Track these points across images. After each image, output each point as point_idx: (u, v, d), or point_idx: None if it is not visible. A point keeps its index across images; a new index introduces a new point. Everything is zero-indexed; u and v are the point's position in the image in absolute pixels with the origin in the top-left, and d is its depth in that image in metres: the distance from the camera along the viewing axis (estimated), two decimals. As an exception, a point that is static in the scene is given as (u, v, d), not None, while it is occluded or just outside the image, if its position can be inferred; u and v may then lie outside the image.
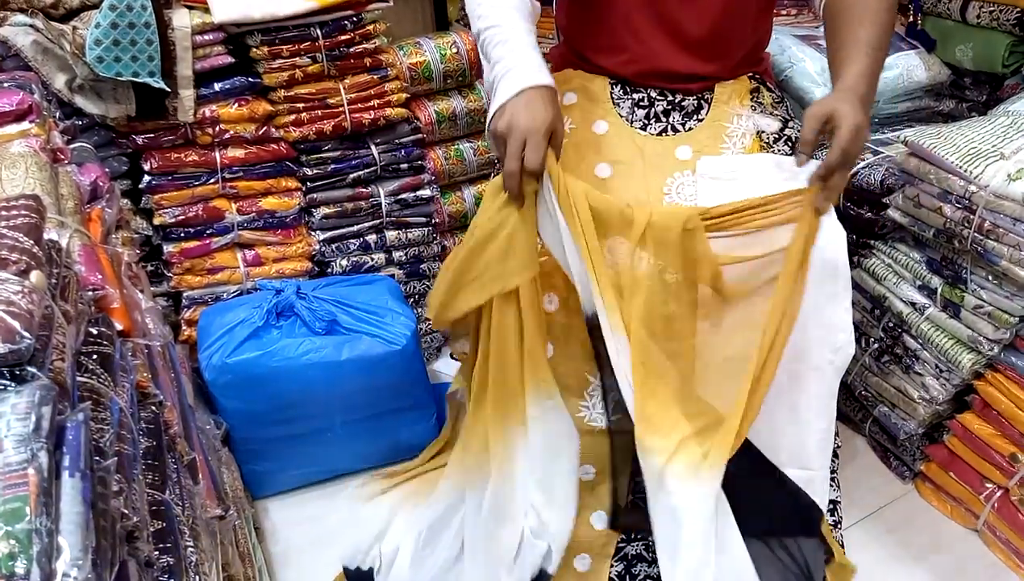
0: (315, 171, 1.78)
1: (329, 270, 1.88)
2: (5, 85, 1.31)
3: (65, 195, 1.09)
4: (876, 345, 1.70)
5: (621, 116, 1.24)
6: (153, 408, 0.99)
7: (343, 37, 1.67)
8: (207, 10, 1.58)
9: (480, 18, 1.11)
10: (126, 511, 0.70)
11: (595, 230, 1.03)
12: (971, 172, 1.39)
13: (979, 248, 1.41)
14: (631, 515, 1.23)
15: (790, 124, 1.29)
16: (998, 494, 1.54)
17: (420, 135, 1.87)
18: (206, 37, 1.58)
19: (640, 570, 1.26)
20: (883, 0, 1.10)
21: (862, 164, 1.71)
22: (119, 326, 0.96)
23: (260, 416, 1.60)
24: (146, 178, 1.66)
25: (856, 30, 1.08)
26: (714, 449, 1.03)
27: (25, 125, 1.16)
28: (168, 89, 1.54)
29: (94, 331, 0.86)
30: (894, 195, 1.59)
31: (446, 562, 1.27)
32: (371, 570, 1.33)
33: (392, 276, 1.89)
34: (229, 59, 1.62)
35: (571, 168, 1.14)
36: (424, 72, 1.87)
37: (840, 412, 1.19)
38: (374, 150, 1.82)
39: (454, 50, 1.89)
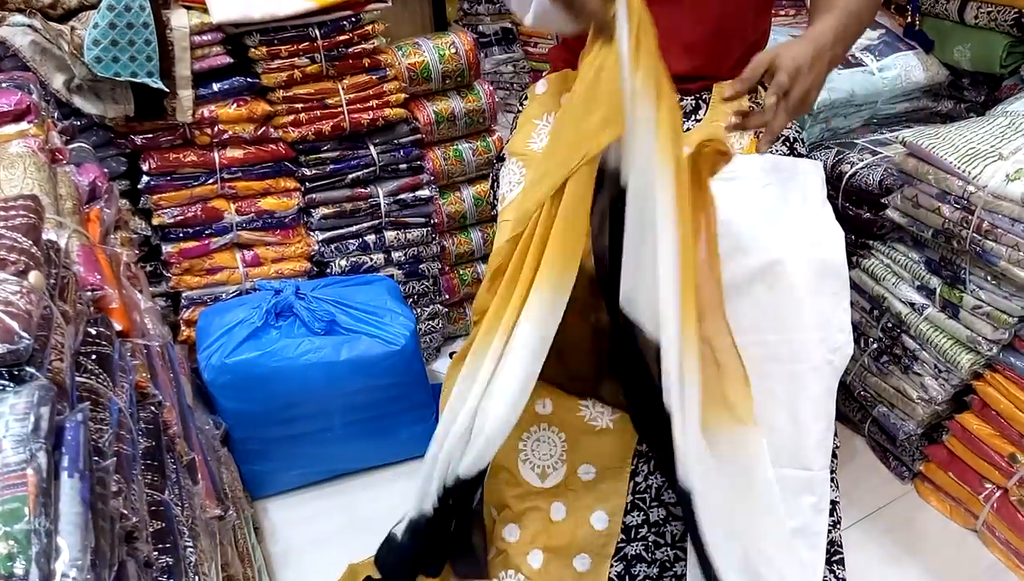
0: (314, 171, 1.78)
1: (328, 270, 1.88)
2: (3, 85, 1.31)
3: (64, 195, 1.09)
4: (875, 345, 1.70)
5: (620, 116, 1.24)
6: (152, 408, 0.98)
7: (342, 37, 1.67)
8: (205, 10, 1.57)
9: None
10: (125, 511, 0.70)
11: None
12: (969, 172, 1.39)
13: (978, 248, 1.41)
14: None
15: (788, 124, 1.29)
16: (997, 494, 1.54)
17: (419, 135, 1.87)
18: (204, 37, 1.58)
19: (639, 570, 1.26)
20: None
21: (861, 164, 1.71)
22: (118, 326, 0.96)
23: (259, 416, 1.60)
24: (145, 178, 1.66)
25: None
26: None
27: (23, 125, 1.16)
28: (167, 89, 1.54)
29: (93, 331, 0.86)
30: (893, 195, 1.60)
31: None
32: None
33: (391, 276, 1.89)
34: (228, 59, 1.62)
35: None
36: (423, 72, 1.87)
37: (839, 412, 1.20)
38: (373, 150, 1.82)
39: (453, 51, 1.89)
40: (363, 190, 1.84)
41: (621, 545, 1.25)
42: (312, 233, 1.85)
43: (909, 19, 1.94)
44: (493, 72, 3.11)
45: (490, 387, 1.05)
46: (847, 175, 1.71)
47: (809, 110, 1.07)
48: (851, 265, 1.59)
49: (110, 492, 0.68)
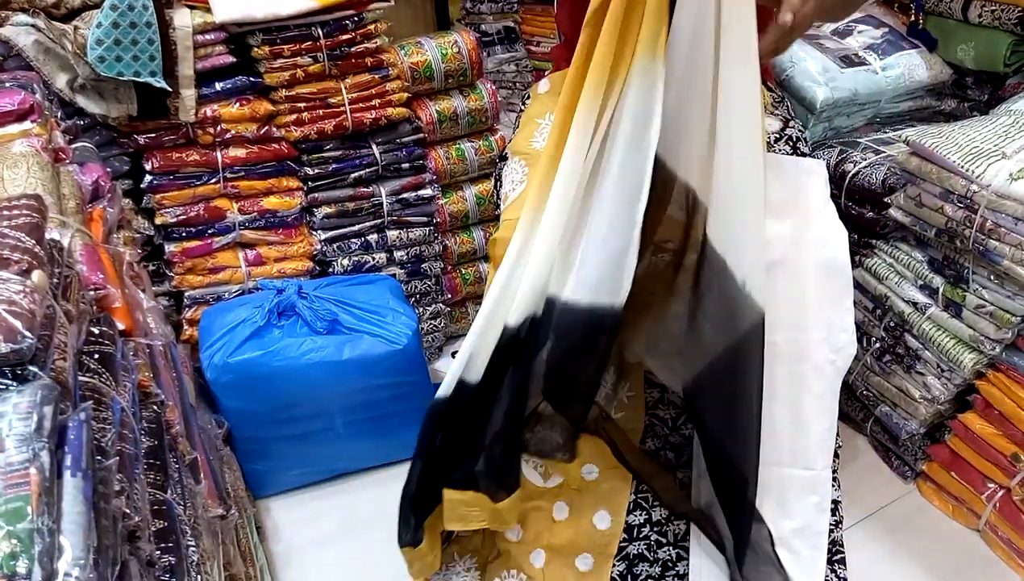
0: (316, 171, 1.78)
1: (330, 270, 1.88)
2: (7, 85, 1.31)
3: (67, 195, 1.09)
4: (878, 345, 1.70)
5: (622, 115, 1.24)
6: (155, 408, 0.99)
7: (344, 37, 1.67)
8: (208, 10, 1.57)
9: None
10: (128, 511, 0.70)
11: None
12: (973, 171, 1.39)
13: (981, 248, 1.41)
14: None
15: (790, 124, 1.29)
16: (1000, 494, 1.54)
17: (421, 135, 1.87)
18: (207, 37, 1.58)
19: (642, 570, 1.26)
20: None
21: (864, 163, 1.71)
22: (121, 326, 0.96)
23: (261, 416, 1.61)
24: (147, 178, 1.66)
25: None
26: None
27: (27, 125, 1.16)
28: (169, 89, 1.54)
29: (96, 331, 0.86)
30: (896, 195, 1.59)
31: None
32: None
33: (393, 276, 1.89)
34: (230, 59, 1.62)
35: None
36: (425, 72, 1.87)
37: (841, 412, 1.19)
38: (375, 150, 1.82)
39: (455, 50, 1.89)
40: (365, 189, 1.84)
41: (623, 544, 1.25)
42: (314, 232, 1.85)
43: (913, 18, 1.94)
44: (496, 71, 3.10)
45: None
46: (850, 174, 1.71)
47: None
48: (854, 264, 1.59)
49: (112, 491, 0.68)
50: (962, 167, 1.40)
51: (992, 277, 1.45)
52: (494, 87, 1.99)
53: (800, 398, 1.13)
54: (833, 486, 1.22)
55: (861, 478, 1.74)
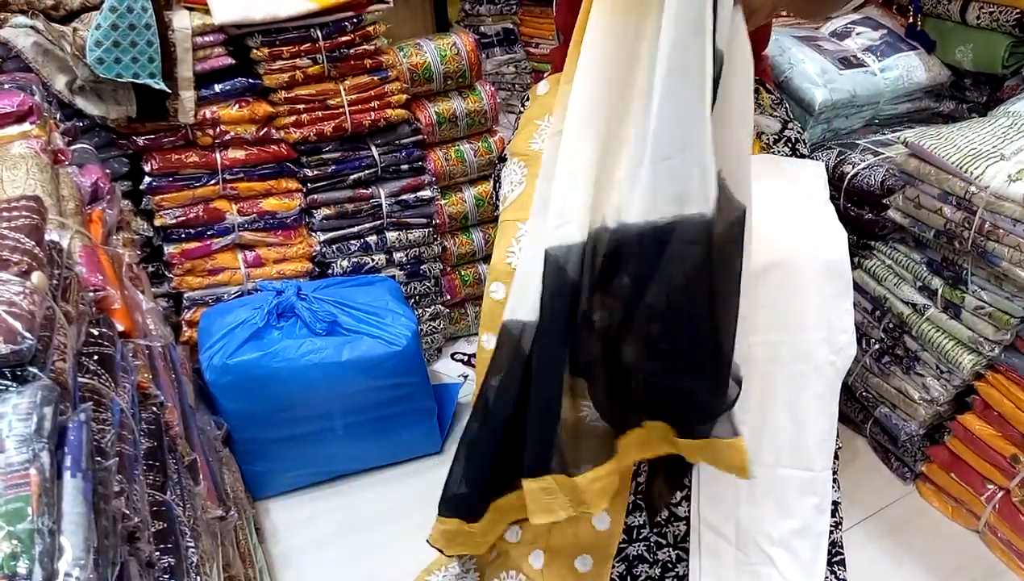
0: (315, 172, 1.78)
1: (330, 271, 1.88)
2: (6, 87, 1.31)
3: (66, 196, 1.09)
4: (877, 346, 1.70)
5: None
6: (154, 409, 0.99)
7: (343, 38, 1.68)
8: (207, 11, 1.58)
9: None
10: (127, 511, 0.70)
11: None
12: (971, 173, 1.39)
13: (979, 249, 1.41)
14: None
15: (789, 125, 1.29)
16: (999, 495, 1.54)
17: (420, 136, 1.87)
18: (206, 38, 1.58)
19: (641, 571, 1.26)
20: None
21: (862, 165, 1.71)
22: (120, 327, 0.96)
23: (261, 417, 1.60)
24: (147, 179, 1.66)
25: None
26: None
27: (26, 127, 1.17)
28: (169, 90, 1.54)
29: (95, 332, 0.86)
30: (894, 196, 1.60)
31: None
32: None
33: (393, 277, 1.89)
34: (229, 60, 1.62)
35: None
36: (424, 73, 1.87)
37: (841, 413, 1.19)
38: (374, 151, 1.82)
39: (454, 51, 1.89)
40: (365, 191, 1.84)
41: (623, 545, 1.25)
42: (314, 234, 1.85)
43: (911, 19, 1.94)
44: (495, 73, 3.11)
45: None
46: (849, 176, 1.71)
47: None
48: (853, 266, 1.59)
49: (112, 492, 0.68)
50: (961, 168, 1.41)
51: (991, 278, 1.45)
52: (493, 89, 1.99)
53: (800, 399, 1.13)
54: (833, 487, 1.23)
55: (861, 479, 1.74)
